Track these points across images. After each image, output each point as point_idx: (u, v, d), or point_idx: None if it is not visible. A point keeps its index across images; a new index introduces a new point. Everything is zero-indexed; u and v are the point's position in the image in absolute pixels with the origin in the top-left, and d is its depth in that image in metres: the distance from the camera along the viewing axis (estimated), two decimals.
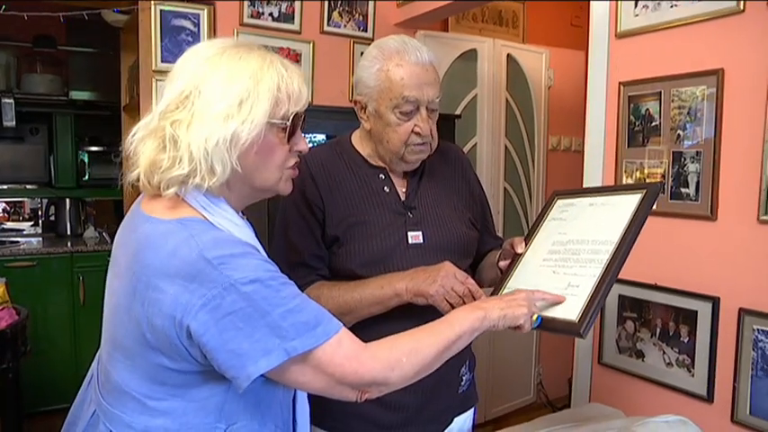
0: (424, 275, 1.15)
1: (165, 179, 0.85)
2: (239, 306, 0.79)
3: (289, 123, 0.91)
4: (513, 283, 1.20)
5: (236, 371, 0.81)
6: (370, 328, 1.16)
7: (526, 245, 1.24)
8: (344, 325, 1.15)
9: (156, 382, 0.87)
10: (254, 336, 0.79)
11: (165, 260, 0.81)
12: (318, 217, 1.26)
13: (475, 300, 1.11)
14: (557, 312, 1.08)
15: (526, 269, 1.20)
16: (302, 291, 1.20)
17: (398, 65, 1.20)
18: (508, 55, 3.23)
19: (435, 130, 1.26)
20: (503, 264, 1.25)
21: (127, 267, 0.87)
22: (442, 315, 1.06)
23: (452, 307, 1.10)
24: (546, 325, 1.08)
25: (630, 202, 1.15)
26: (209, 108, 0.85)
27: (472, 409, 1.45)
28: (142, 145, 0.88)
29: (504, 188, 3.28)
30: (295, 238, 1.26)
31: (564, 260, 1.15)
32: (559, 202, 1.30)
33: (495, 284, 1.24)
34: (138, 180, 0.89)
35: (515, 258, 1.24)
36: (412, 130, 1.22)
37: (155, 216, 0.87)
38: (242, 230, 0.91)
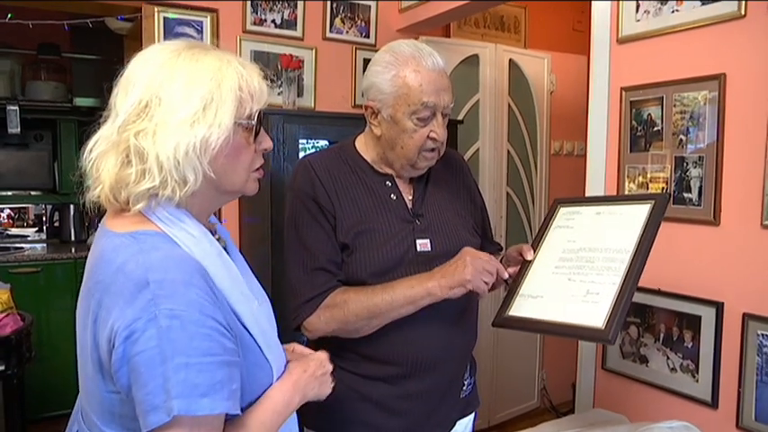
0: (451, 269, 1.16)
1: (133, 194, 0.82)
2: (151, 345, 0.73)
3: (254, 122, 0.89)
4: (526, 289, 1.20)
5: (140, 419, 0.75)
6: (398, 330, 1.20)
7: (534, 252, 1.25)
8: (375, 327, 1.19)
9: (105, 408, 0.82)
10: (147, 386, 0.73)
11: (112, 276, 0.78)
12: (331, 222, 1.24)
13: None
14: (580, 320, 1.08)
15: (538, 276, 1.21)
16: (326, 296, 1.21)
17: (416, 71, 1.19)
18: (510, 60, 3.24)
19: (446, 135, 1.26)
20: (511, 270, 1.25)
21: (84, 283, 0.85)
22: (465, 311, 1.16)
23: (487, 285, 1.15)
24: (570, 332, 1.10)
25: (640, 211, 1.17)
26: (172, 116, 0.81)
27: (473, 413, 1.44)
28: (103, 161, 0.83)
29: (507, 193, 3.27)
30: (312, 244, 1.23)
31: (578, 267, 1.15)
32: (563, 210, 1.30)
33: (507, 291, 1.25)
34: (98, 197, 0.85)
35: (524, 265, 1.24)
36: (428, 136, 1.22)
37: (112, 230, 0.85)
38: (200, 244, 0.85)
